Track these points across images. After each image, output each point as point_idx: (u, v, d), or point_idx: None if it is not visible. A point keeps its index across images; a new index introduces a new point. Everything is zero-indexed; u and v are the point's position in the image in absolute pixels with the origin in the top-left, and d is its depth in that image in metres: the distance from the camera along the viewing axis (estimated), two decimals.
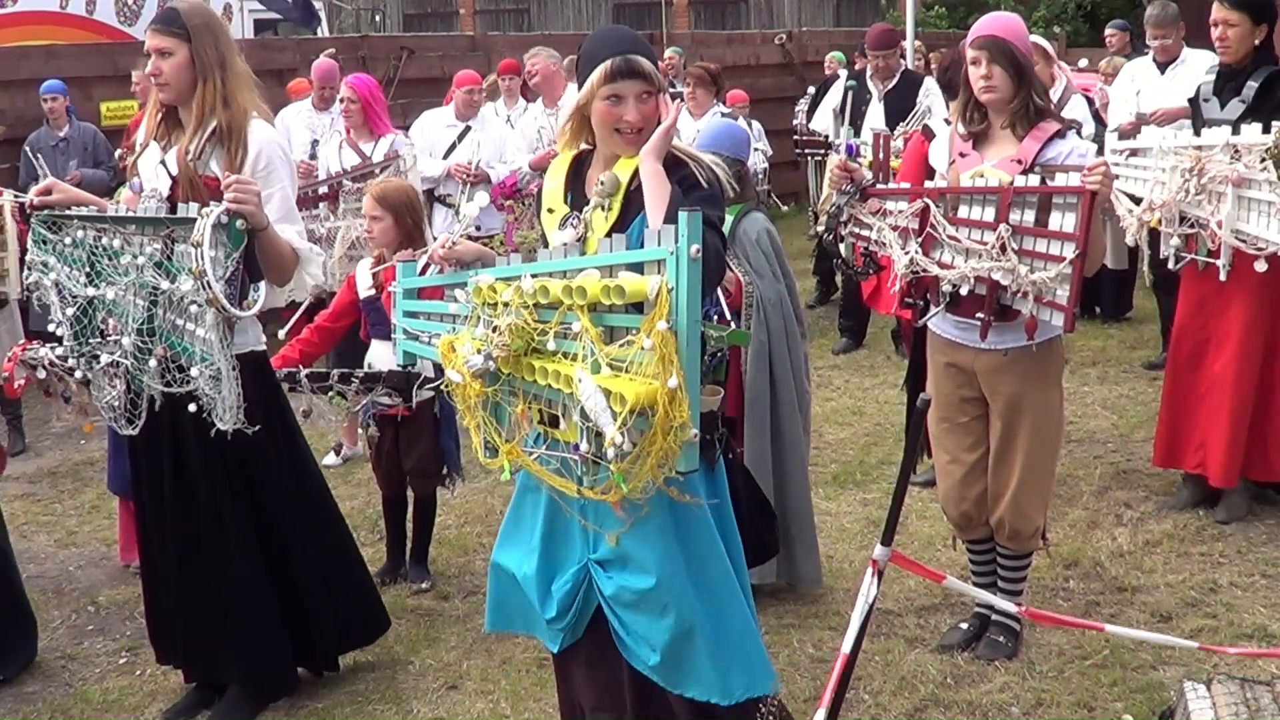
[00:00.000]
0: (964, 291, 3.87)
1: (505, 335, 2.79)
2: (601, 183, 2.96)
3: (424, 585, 4.92)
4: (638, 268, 2.72)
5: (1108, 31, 10.35)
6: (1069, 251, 3.67)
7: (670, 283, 2.62)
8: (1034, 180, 3.76)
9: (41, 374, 3.82)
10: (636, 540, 2.93)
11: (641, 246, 2.74)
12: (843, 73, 9.44)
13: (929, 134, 5.43)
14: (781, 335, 4.46)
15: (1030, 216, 3.76)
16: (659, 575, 2.94)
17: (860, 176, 4.12)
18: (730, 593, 3.00)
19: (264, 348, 3.91)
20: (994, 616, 4.24)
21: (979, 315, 3.88)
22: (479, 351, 2.85)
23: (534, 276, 2.84)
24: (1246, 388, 5.09)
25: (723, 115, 7.96)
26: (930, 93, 7.59)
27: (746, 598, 3.08)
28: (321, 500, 4.12)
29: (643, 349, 2.62)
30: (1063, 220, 3.70)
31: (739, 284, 4.38)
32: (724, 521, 3.05)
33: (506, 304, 2.84)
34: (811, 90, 11.66)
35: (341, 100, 6.77)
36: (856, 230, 4.09)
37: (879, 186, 4.10)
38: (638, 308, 2.70)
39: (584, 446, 2.78)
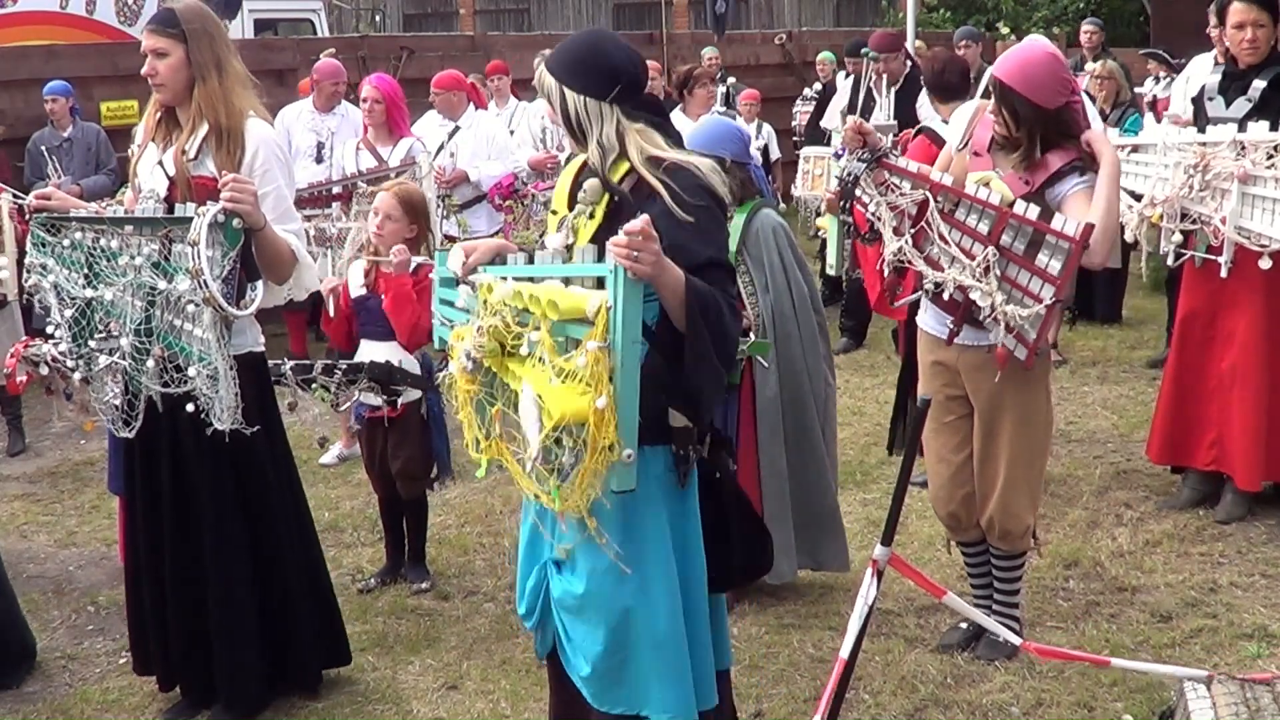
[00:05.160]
0: (945, 296, 3.86)
1: (484, 335, 2.79)
2: (585, 190, 2.86)
3: (424, 585, 4.92)
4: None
5: (1084, 28, 10.30)
6: (1047, 294, 3.65)
7: (609, 301, 2.58)
8: (1034, 211, 3.71)
9: (44, 370, 3.82)
10: (582, 545, 2.88)
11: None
12: (841, 77, 9.46)
13: (933, 136, 5.42)
14: (795, 339, 4.46)
15: (1021, 244, 3.72)
16: (589, 581, 2.88)
17: (875, 141, 3.99)
18: (670, 608, 2.89)
19: (263, 349, 3.91)
20: (994, 616, 4.23)
21: (950, 324, 3.88)
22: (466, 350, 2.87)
23: (514, 280, 2.83)
24: (1258, 386, 5.09)
25: (719, 114, 7.97)
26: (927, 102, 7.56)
27: (694, 620, 2.95)
28: (307, 511, 4.12)
29: (579, 365, 2.62)
30: (1049, 261, 3.66)
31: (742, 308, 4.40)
32: (687, 538, 2.94)
33: (491, 305, 2.85)
34: (807, 92, 11.68)
35: (365, 100, 6.76)
36: (859, 195, 4.04)
37: (893, 159, 3.99)
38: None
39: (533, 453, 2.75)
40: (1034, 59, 3.79)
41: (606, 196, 2.85)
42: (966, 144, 4.02)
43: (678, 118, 8.44)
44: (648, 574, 2.87)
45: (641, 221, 2.56)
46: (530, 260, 2.95)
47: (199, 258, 3.45)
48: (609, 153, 2.83)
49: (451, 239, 7.14)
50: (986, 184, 3.84)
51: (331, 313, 4.93)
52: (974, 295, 3.75)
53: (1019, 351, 3.75)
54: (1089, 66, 9.15)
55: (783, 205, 12.50)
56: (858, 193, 3.99)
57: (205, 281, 3.46)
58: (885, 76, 7.95)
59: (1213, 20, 7.03)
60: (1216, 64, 7.00)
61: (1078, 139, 3.84)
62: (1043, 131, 3.80)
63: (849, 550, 5.06)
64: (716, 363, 2.68)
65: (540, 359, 2.69)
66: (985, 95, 4.11)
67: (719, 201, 2.82)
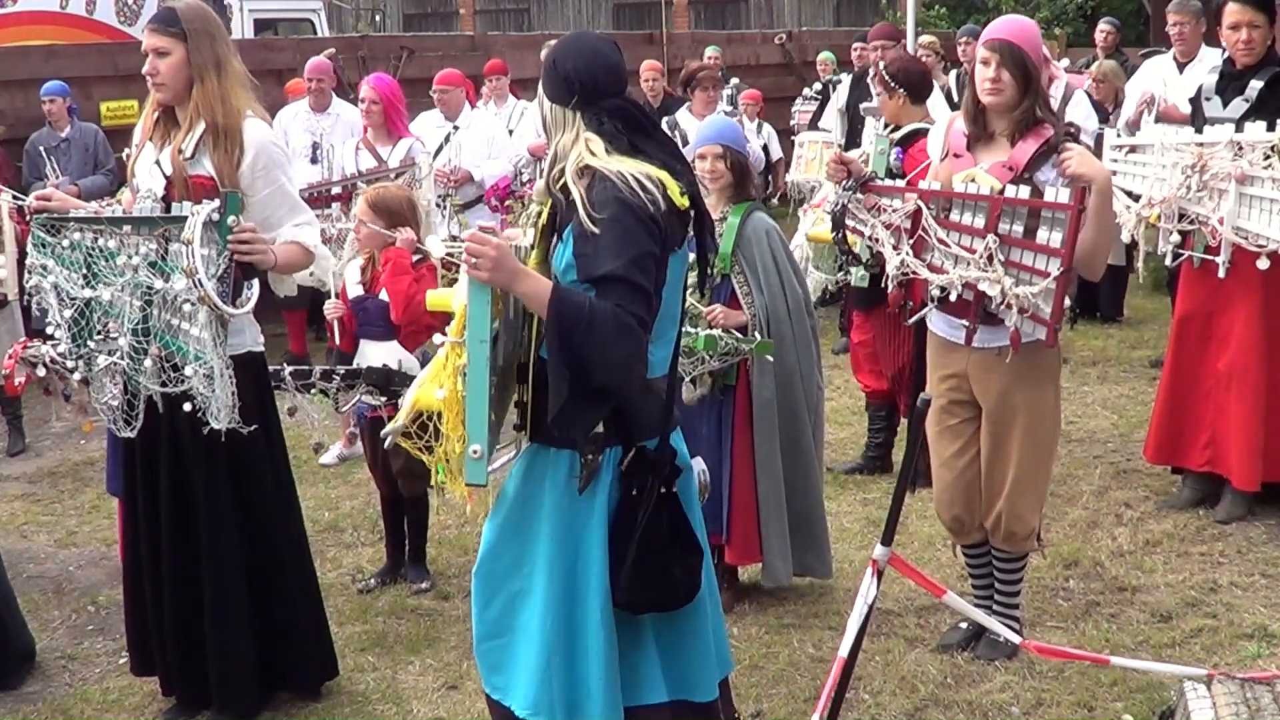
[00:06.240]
0: (953, 298, 3.87)
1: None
2: (534, 190, 2.99)
3: (424, 585, 4.92)
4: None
5: (1100, 28, 10.28)
6: (1053, 267, 3.67)
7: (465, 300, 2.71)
8: (1025, 191, 3.74)
9: (42, 372, 3.82)
10: (488, 523, 3.06)
11: (560, 266, 2.83)
12: (844, 77, 9.45)
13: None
14: (789, 342, 4.47)
15: (1019, 228, 3.75)
16: (479, 561, 3.04)
17: (857, 169, 4.10)
18: (545, 606, 2.91)
19: (262, 348, 3.91)
20: (994, 617, 4.23)
21: (965, 323, 3.89)
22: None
23: None
24: (1254, 386, 5.08)
25: (725, 113, 7.99)
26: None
27: (581, 634, 2.92)
28: (299, 515, 4.12)
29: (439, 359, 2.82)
30: (1050, 235, 3.69)
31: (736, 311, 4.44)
32: (583, 547, 2.91)
33: None
34: (807, 91, 11.68)
35: (363, 100, 6.76)
36: (852, 224, 4.09)
37: (877, 182, 4.09)
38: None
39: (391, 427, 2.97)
40: (1025, 22, 3.92)
41: (548, 203, 2.92)
42: (946, 154, 4.03)
43: (684, 116, 8.46)
44: (535, 569, 2.95)
45: (476, 229, 2.69)
46: None
47: (194, 257, 3.46)
48: (559, 159, 2.88)
49: (455, 239, 7.15)
50: (972, 180, 3.86)
51: (338, 339, 4.97)
52: (982, 286, 3.76)
53: (1039, 332, 3.76)
54: (1064, 63, 9.15)
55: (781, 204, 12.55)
56: (849, 221, 4.03)
57: (200, 280, 3.47)
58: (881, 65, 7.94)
59: (1170, 19, 7.08)
60: (1176, 62, 7.05)
61: (1053, 117, 3.89)
62: (1036, 98, 3.83)
63: (850, 550, 5.08)
64: (566, 376, 2.70)
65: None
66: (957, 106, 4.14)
67: (635, 213, 2.73)
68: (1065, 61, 9.96)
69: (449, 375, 2.75)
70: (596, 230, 2.72)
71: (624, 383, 2.77)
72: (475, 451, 2.70)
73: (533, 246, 2.96)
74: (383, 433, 2.91)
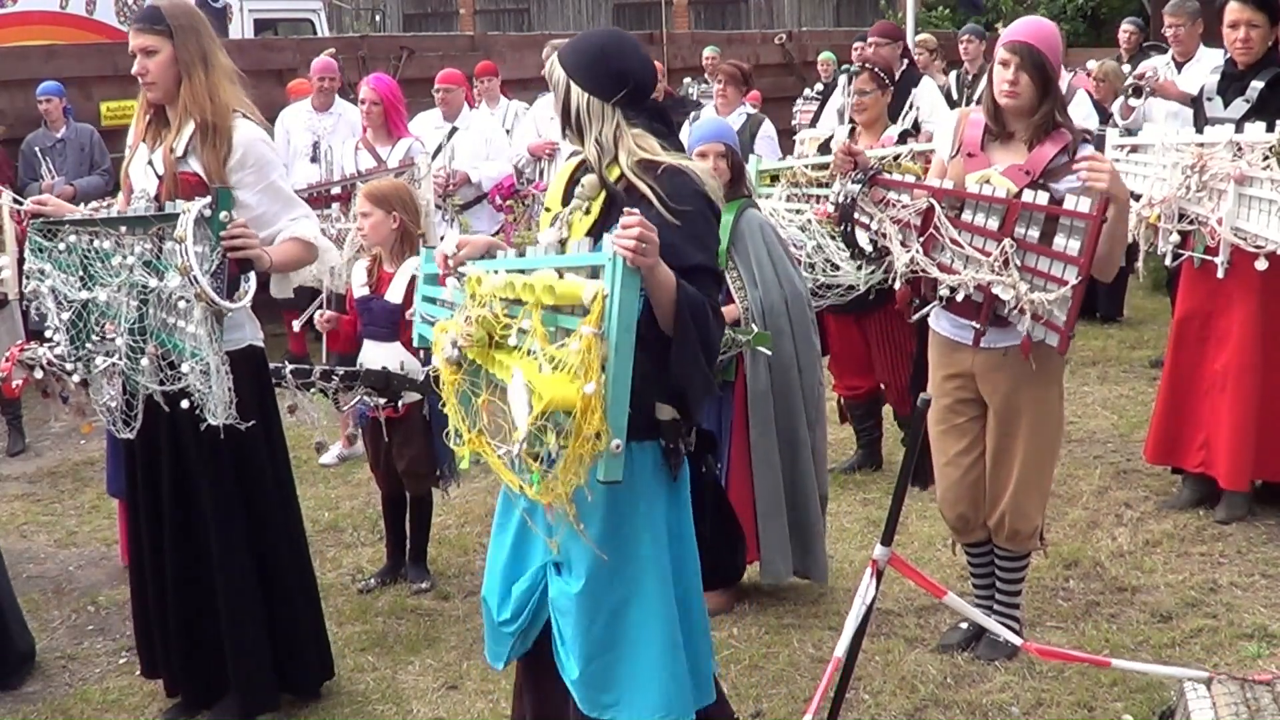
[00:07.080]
0: (959, 298, 3.86)
1: (472, 325, 2.80)
2: (582, 185, 2.92)
3: (424, 585, 4.92)
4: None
5: (1123, 28, 10.25)
6: (1071, 275, 3.66)
7: (605, 289, 2.58)
8: (1043, 197, 3.72)
9: (39, 374, 3.82)
10: (573, 542, 2.87)
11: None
12: (842, 78, 9.44)
13: None
14: (787, 335, 4.46)
15: (1035, 232, 3.73)
16: (586, 580, 2.88)
17: (865, 161, 4.07)
18: (664, 604, 2.89)
19: (262, 344, 3.90)
20: (994, 617, 4.23)
21: (975, 326, 3.88)
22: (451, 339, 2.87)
23: (507, 272, 2.84)
24: (1250, 386, 5.08)
25: (749, 114, 8.01)
26: (922, 95, 7.50)
27: (690, 617, 2.95)
28: (298, 512, 4.12)
29: (572, 351, 2.59)
30: (1067, 242, 3.67)
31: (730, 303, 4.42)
32: (681, 532, 2.94)
33: (480, 296, 2.87)
34: (808, 92, 11.68)
35: (363, 101, 6.77)
36: (858, 217, 4.07)
37: (886, 176, 4.06)
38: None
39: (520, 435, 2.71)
40: (1045, 25, 3.88)
41: (603, 194, 2.89)
42: (958, 151, 4.01)
43: (709, 114, 8.47)
44: (640, 570, 2.87)
45: (638, 215, 2.58)
46: (521, 255, 2.96)
47: (187, 254, 3.46)
48: (606, 153, 2.87)
49: None
50: (987, 181, 3.84)
51: (326, 352, 4.97)
52: (996, 289, 3.75)
53: (1050, 339, 3.75)
54: (1090, 65, 9.13)
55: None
56: (856, 215, 4.02)
57: (195, 277, 3.47)
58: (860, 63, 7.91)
59: (1166, 21, 7.09)
60: (1175, 62, 7.05)
61: (1070, 122, 3.88)
62: (1054, 103, 3.81)
63: (850, 550, 5.08)
64: (704, 363, 2.70)
65: (529, 350, 2.67)
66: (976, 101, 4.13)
67: (711, 206, 2.84)
68: (1092, 64, 9.92)
69: (595, 368, 2.54)
70: (678, 222, 2.74)
71: (712, 369, 2.83)
72: (617, 446, 2.56)
73: (561, 240, 2.92)
74: (515, 444, 2.63)
